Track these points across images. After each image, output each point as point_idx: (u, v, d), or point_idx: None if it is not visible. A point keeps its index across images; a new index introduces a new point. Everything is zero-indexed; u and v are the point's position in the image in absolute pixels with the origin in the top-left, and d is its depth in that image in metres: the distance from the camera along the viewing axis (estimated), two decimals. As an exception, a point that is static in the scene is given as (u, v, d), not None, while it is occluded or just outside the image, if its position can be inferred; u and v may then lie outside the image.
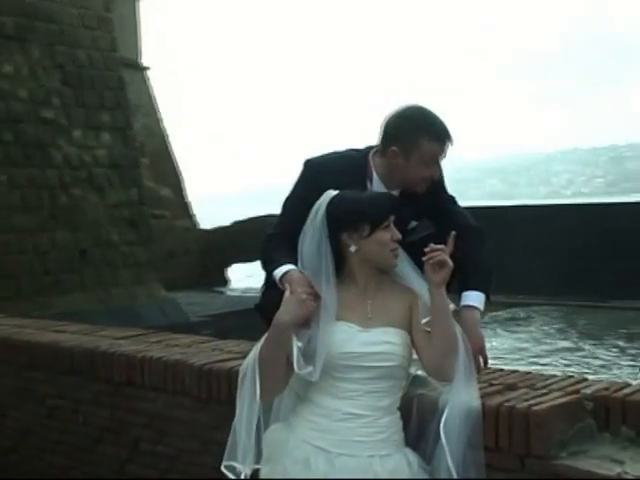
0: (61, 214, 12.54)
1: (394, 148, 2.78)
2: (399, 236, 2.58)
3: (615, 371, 13.26)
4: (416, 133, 2.77)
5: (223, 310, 13.78)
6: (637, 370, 13.18)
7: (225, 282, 26.59)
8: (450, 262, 2.46)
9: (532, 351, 14.81)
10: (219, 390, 3.46)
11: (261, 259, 2.94)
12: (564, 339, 16.81)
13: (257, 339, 4.01)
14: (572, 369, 13.21)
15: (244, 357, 3.58)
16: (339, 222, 2.56)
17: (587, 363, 14.37)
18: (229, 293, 23.72)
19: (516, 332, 16.72)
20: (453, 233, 2.51)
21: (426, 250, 2.48)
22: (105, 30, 14.07)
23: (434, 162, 2.82)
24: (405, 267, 2.65)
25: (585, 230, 20.60)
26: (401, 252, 2.64)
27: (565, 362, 14.55)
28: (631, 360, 14.72)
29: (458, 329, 2.53)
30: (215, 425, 3.46)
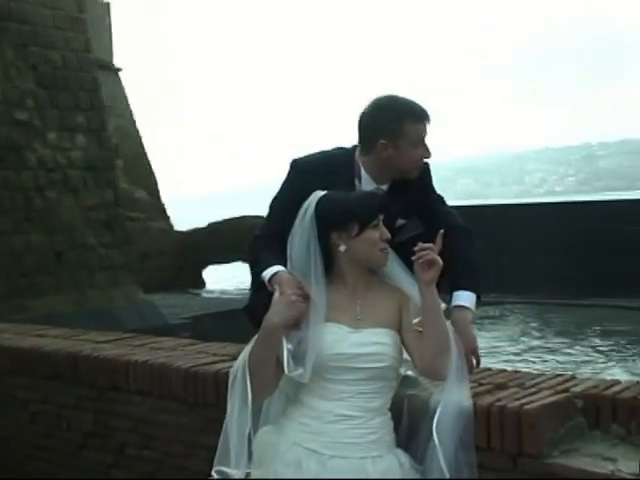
0: (36, 216, 12.42)
1: (382, 141, 2.79)
2: (389, 235, 2.57)
3: (597, 368, 13.37)
4: (398, 120, 2.79)
5: (201, 312, 13.71)
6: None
7: (201, 284, 26.51)
8: (440, 261, 2.45)
9: (508, 350, 14.88)
10: (206, 393, 3.43)
11: (248, 260, 2.92)
12: (540, 337, 16.92)
13: (239, 341, 3.99)
14: (548, 367, 13.30)
15: (231, 359, 3.58)
16: (328, 222, 2.55)
17: (564, 361, 14.48)
18: (205, 295, 23.64)
19: (491, 331, 16.80)
20: (441, 231, 2.51)
21: (415, 249, 2.47)
22: (78, 31, 13.93)
23: (422, 143, 2.83)
24: (394, 267, 2.64)
25: (559, 229, 20.76)
26: (390, 252, 2.64)
27: (541, 360, 14.65)
28: (606, 357, 14.84)
29: (450, 328, 2.52)
30: (202, 429, 3.44)
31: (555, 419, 2.60)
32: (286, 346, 2.44)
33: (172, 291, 19.69)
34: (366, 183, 2.86)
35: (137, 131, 27.36)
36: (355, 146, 2.94)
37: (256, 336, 2.50)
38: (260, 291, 2.73)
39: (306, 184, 2.76)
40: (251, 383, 2.43)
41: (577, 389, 2.76)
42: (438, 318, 2.48)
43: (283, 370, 2.45)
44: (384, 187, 2.88)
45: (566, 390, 2.75)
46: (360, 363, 2.46)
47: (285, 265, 2.64)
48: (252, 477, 2.50)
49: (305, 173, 2.86)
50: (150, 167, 27.64)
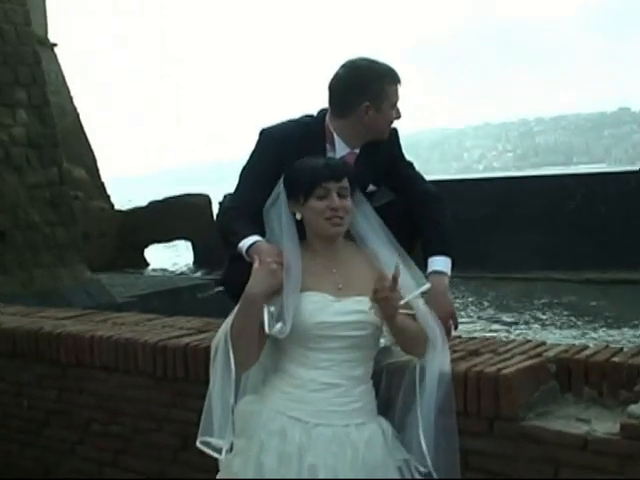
0: (-23, 195, 12.09)
1: (366, 103, 2.77)
2: (336, 204, 2.50)
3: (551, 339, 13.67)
4: (379, 81, 2.80)
5: (148, 291, 13.58)
6: None
7: (144, 263, 26.25)
8: (395, 297, 2.39)
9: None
10: (175, 367, 3.40)
11: (221, 231, 2.89)
12: (480, 311, 17.20)
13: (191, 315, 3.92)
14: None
15: (197, 333, 3.56)
16: (285, 190, 2.58)
17: (507, 333, 14.75)
18: (149, 274, 23.42)
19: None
20: (399, 264, 2.42)
21: (373, 290, 2.39)
22: (17, 2, 13.50)
23: (396, 104, 2.85)
24: (375, 235, 2.63)
25: (491, 203, 21.03)
26: (366, 220, 2.64)
27: (488, 335, 14.89)
28: (543, 327, 15.18)
29: (426, 311, 2.54)
30: (171, 403, 3.42)
31: (530, 383, 2.65)
32: (268, 308, 2.42)
33: (115, 271, 19.44)
34: (340, 148, 2.86)
35: (75, 108, 26.78)
36: (323, 111, 2.92)
37: (237, 307, 2.48)
38: (236, 262, 2.71)
39: (276, 153, 2.76)
40: (233, 354, 2.42)
41: (550, 353, 2.81)
42: (409, 334, 2.51)
43: (265, 339, 2.44)
44: (356, 150, 2.88)
45: (539, 355, 2.80)
46: (343, 331, 2.46)
47: (260, 235, 2.63)
48: (234, 446, 2.48)
49: (275, 142, 2.85)
50: (89, 145, 27.14)
